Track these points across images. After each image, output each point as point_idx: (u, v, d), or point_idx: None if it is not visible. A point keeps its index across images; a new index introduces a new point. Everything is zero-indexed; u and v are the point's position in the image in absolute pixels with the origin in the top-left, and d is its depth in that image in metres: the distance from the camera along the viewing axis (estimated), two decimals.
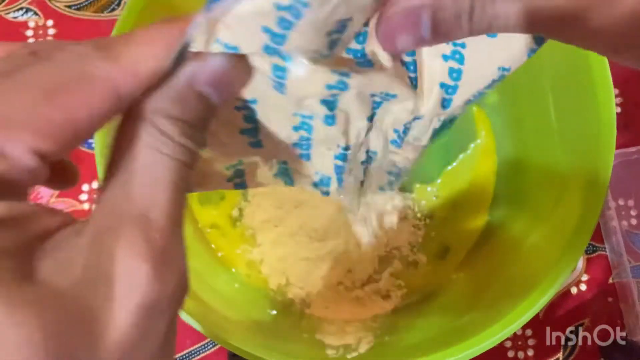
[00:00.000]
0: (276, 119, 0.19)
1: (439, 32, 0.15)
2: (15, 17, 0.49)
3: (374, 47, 0.17)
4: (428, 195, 0.46)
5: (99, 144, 0.32)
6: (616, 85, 0.34)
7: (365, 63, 0.18)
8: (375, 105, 0.21)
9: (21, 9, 0.49)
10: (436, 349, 0.32)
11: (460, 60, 0.20)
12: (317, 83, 0.18)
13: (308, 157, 0.21)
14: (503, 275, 0.38)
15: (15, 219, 0.13)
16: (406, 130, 0.22)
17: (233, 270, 0.44)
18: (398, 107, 0.21)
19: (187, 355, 0.44)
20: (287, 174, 0.22)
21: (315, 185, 0.23)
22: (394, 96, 0.20)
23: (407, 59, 0.20)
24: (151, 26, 0.15)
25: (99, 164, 0.32)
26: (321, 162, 0.22)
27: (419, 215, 0.45)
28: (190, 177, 0.15)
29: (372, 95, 0.20)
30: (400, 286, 0.44)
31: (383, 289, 0.44)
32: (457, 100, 0.21)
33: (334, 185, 0.23)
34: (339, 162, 0.22)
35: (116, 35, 0.15)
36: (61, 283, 0.12)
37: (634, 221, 0.47)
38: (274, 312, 0.42)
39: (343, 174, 0.22)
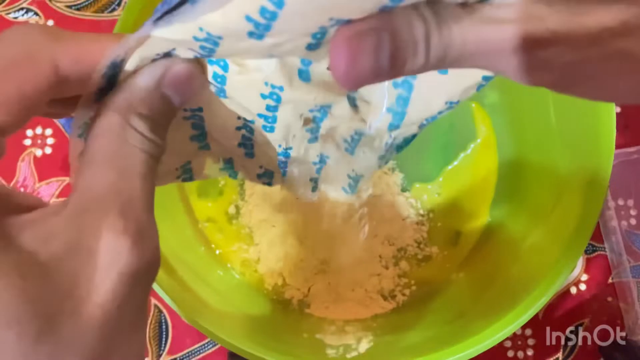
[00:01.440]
0: (220, 122, 0.21)
1: (397, 61, 0.14)
2: (15, 18, 0.49)
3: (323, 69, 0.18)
4: (430, 192, 0.46)
5: None
6: None
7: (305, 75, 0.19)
8: (318, 119, 0.22)
9: (21, 9, 0.49)
10: (436, 348, 0.32)
11: (409, 90, 0.20)
12: (252, 90, 0.19)
13: (252, 155, 0.23)
14: (503, 275, 0.38)
15: None
16: (354, 140, 0.23)
17: (228, 265, 0.44)
18: (342, 125, 0.23)
19: (187, 354, 0.44)
20: (232, 168, 0.24)
21: (258, 176, 0.25)
22: (329, 106, 0.21)
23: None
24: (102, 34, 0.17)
25: None
26: (265, 158, 0.23)
27: (421, 211, 0.45)
28: (156, 169, 0.17)
29: (312, 111, 0.21)
30: (409, 284, 0.44)
31: (386, 289, 0.44)
32: (406, 124, 0.22)
33: (277, 177, 0.25)
34: (282, 159, 0.23)
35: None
36: (42, 254, 0.13)
37: (633, 221, 0.47)
38: (272, 310, 0.42)
39: (287, 167, 0.24)
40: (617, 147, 0.33)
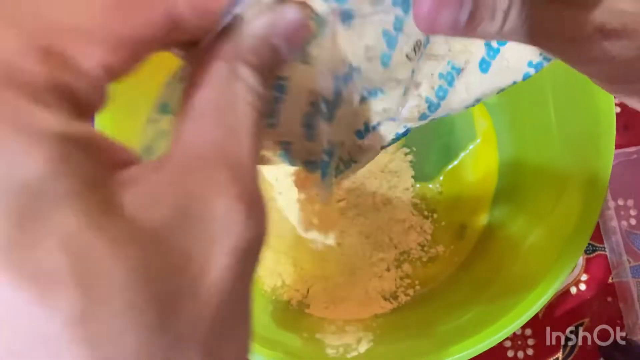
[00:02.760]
0: (295, 95, 0.19)
1: (474, 21, 0.15)
2: None
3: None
4: (431, 191, 0.46)
5: None
6: None
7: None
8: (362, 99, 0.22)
9: None
10: (436, 348, 0.32)
11: (450, 82, 0.21)
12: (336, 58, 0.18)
13: (311, 137, 0.21)
14: (503, 275, 0.39)
15: (94, 144, 0.12)
16: (376, 125, 0.23)
17: None
18: (378, 106, 0.22)
19: None
20: (289, 154, 0.22)
21: (307, 164, 0.23)
22: (381, 92, 0.21)
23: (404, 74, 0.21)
24: None
25: None
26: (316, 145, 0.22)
27: (425, 213, 0.45)
28: (262, 127, 0.15)
29: (365, 88, 0.21)
30: (412, 284, 0.44)
31: (388, 291, 0.43)
32: (434, 116, 0.22)
33: (318, 173, 0.23)
34: (326, 158, 0.22)
35: None
36: (150, 221, 0.11)
37: (633, 221, 0.47)
38: (272, 310, 0.42)
39: (328, 168, 0.23)
40: (617, 147, 0.33)
